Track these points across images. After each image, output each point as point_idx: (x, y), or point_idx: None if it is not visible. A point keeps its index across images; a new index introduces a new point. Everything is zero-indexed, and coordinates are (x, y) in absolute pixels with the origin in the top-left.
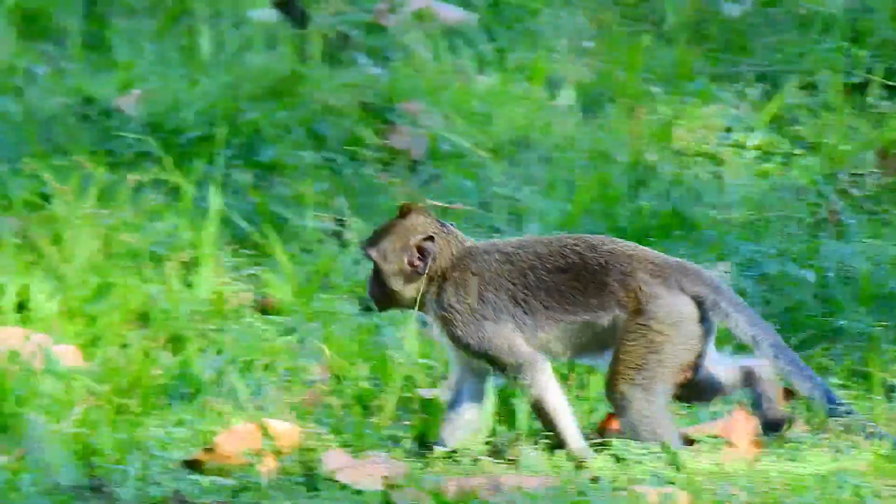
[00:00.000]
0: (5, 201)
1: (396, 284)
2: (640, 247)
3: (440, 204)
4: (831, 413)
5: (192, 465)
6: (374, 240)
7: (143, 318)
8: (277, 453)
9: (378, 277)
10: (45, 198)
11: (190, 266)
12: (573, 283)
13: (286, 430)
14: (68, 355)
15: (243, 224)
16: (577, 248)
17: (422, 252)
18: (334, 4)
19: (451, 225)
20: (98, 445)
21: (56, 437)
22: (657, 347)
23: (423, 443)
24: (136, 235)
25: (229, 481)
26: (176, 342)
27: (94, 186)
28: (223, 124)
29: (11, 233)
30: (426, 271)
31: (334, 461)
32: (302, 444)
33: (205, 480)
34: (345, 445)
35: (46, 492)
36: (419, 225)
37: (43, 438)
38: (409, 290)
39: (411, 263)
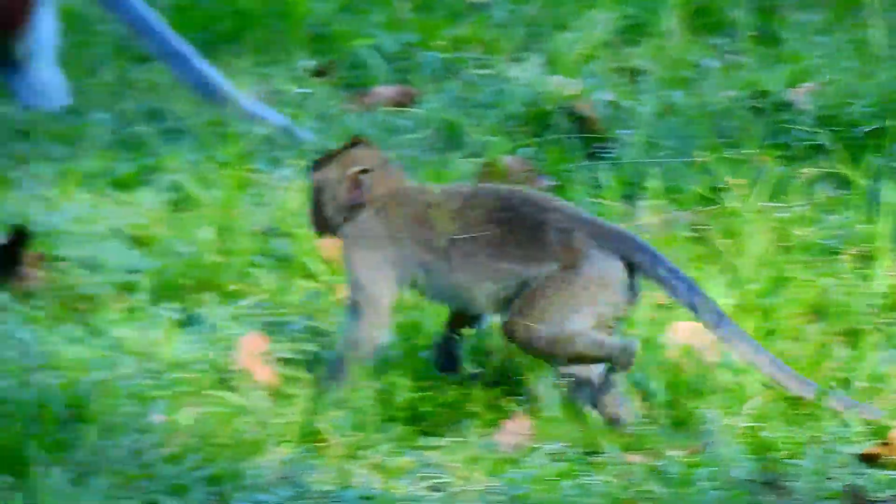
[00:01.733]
0: (678, 195)
1: (328, 210)
2: (580, 209)
3: None
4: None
5: (868, 459)
6: (318, 165)
7: (818, 312)
8: None
9: (315, 202)
10: (718, 192)
11: (864, 260)
12: (508, 236)
13: None
14: None
15: None
16: (516, 202)
17: (356, 183)
18: None
19: (398, 164)
20: (772, 439)
21: (731, 432)
22: (578, 305)
23: None
24: (809, 229)
25: None
26: (852, 335)
27: (766, 180)
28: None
29: (684, 226)
30: (358, 202)
31: None
32: None
33: (880, 474)
34: None
35: (720, 486)
36: (360, 157)
37: (718, 433)
38: (338, 218)
39: (345, 193)
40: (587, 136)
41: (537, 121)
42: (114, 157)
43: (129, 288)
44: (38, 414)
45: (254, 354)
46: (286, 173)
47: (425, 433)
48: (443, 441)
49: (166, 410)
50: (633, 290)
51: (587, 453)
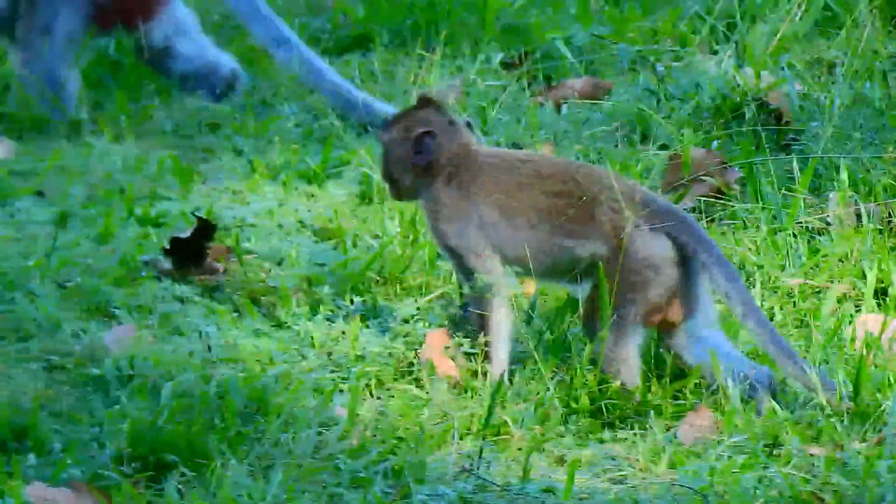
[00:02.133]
0: (868, 187)
1: (396, 172)
2: (640, 188)
3: None
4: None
5: None
6: (387, 125)
7: None
8: None
9: (384, 163)
10: None
11: None
12: (565, 210)
13: None
14: None
15: None
16: (578, 176)
17: (420, 145)
18: None
19: (465, 124)
20: None
21: None
22: (635, 288)
23: None
24: None
25: None
26: None
27: None
28: None
29: (874, 219)
30: (422, 164)
31: None
32: None
33: None
34: None
35: None
36: (426, 118)
37: None
38: (407, 179)
39: (410, 154)
40: (778, 128)
41: (728, 113)
42: (302, 150)
43: (313, 281)
44: (220, 407)
45: (438, 348)
46: None
47: (608, 426)
48: (625, 434)
49: (349, 403)
50: (688, 267)
51: (769, 446)
